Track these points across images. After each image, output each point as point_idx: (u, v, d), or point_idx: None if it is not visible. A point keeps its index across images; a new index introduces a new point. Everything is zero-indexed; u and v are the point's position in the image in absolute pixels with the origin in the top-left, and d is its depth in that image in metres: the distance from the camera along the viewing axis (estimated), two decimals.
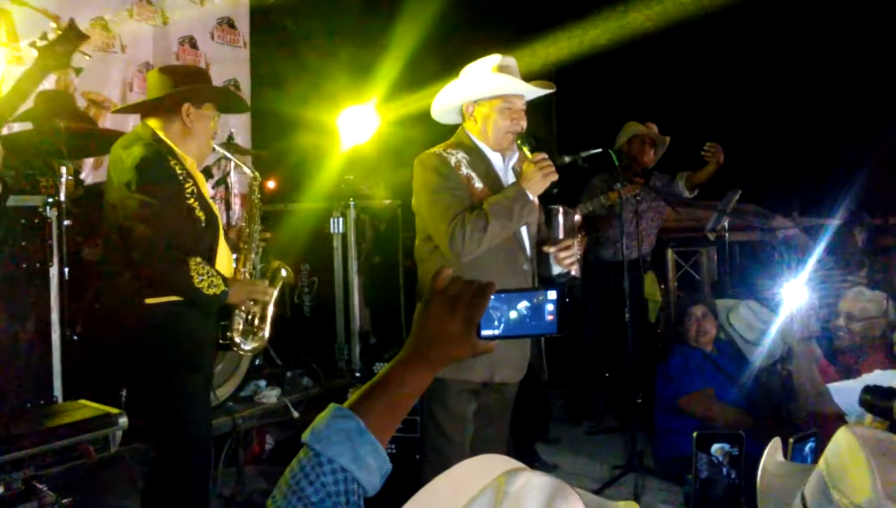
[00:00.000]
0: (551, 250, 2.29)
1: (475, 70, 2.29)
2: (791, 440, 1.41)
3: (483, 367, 2.16)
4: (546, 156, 2.17)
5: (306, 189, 4.22)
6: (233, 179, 3.96)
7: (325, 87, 4.93)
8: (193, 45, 5.13)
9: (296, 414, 3.35)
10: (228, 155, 2.62)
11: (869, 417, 2.08)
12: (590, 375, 4.41)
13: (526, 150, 2.23)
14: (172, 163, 2.17)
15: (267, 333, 2.46)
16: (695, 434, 1.02)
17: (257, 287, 2.37)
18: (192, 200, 2.18)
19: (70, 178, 2.94)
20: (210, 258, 2.23)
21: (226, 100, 2.46)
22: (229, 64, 5.32)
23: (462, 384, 2.17)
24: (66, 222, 2.77)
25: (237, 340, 2.41)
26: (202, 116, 2.25)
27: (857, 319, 2.93)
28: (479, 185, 2.22)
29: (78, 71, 3.65)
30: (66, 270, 2.73)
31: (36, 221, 2.66)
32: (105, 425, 2.00)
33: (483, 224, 2.10)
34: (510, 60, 2.28)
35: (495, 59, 2.27)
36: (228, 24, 5.36)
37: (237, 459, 3.22)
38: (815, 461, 1.34)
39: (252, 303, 2.39)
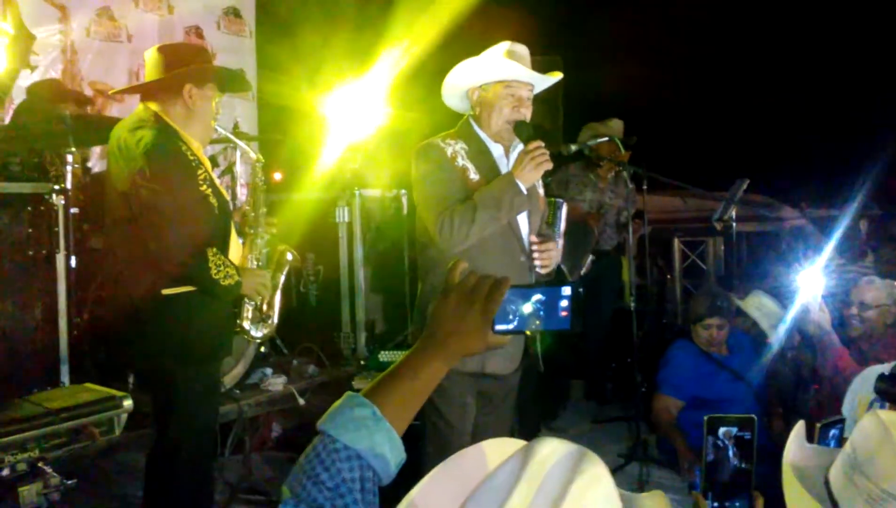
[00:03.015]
0: (534, 245, 2.25)
1: (483, 56, 2.25)
2: (818, 425, 1.40)
3: (473, 358, 2.15)
4: (541, 144, 2.12)
5: (311, 178, 4.22)
6: (238, 168, 3.96)
7: (327, 75, 4.92)
8: (199, 35, 5.13)
9: (302, 402, 3.36)
10: (231, 136, 2.57)
11: (867, 398, 2.07)
12: (570, 362, 4.46)
13: (522, 139, 2.19)
14: (183, 149, 2.13)
15: (276, 319, 2.44)
16: (706, 418, 1.02)
17: (266, 279, 2.33)
18: (205, 186, 2.14)
19: (77, 166, 2.95)
20: (224, 246, 2.21)
21: (228, 79, 2.40)
22: (235, 53, 5.32)
23: (457, 371, 2.16)
24: (73, 210, 2.78)
25: (247, 327, 2.39)
26: (204, 97, 2.20)
27: (870, 307, 2.91)
28: (474, 177, 2.19)
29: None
30: (73, 257, 2.75)
31: (42, 208, 2.67)
32: (109, 407, 2.00)
33: (471, 216, 2.08)
34: (519, 47, 2.24)
35: (504, 45, 2.23)
36: (234, 13, 5.36)
37: (243, 446, 3.24)
38: (840, 446, 1.34)
39: (263, 293, 2.36)
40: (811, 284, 2.82)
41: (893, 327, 2.97)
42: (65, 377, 2.62)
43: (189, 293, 2.12)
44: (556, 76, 2.28)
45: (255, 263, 2.36)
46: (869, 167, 4.88)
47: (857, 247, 4.12)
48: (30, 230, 2.63)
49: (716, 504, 1.01)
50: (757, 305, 3.47)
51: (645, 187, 4.10)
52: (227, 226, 2.24)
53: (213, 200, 2.16)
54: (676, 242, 4.72)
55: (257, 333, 2.40)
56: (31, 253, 2.62)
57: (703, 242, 4.86)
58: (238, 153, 3.80)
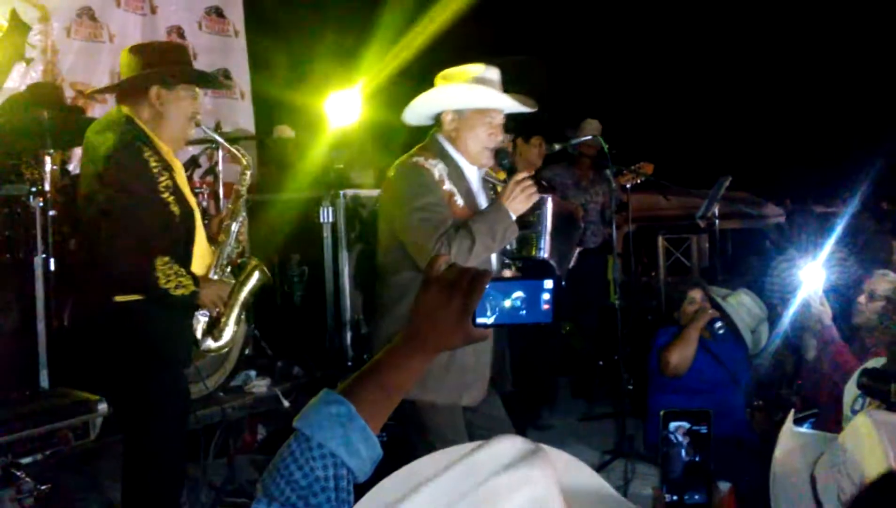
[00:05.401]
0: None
1: (458, 77, 2.21)
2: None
3: (450, 391, 2.12)
4: (529, 175, 2.14)
5: (295, 178, 4.20)
6: (221, 169, 3.93)
7: (312, 75, 4.91)
8: (181, 35, 5.10)
9: (286, 404, 3.34)
10: (217, 138, 2.53)
11: (854, 394, 2.09)
12: (559, 360, 4.48)
13: (504, 166, 2.21)
14: (147, 155, 2.09)
15: (230, 333, 2.34)
16: (661, 413, 1.02)
17: (225, 290, 2.25)
18: (166, 194, 2.09)
19: (55, 167, 2.92)
20: (185, 255, 2.15)
21: (199, 80, 2.34)
22: (219, 53, 5.29)
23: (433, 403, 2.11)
24: (51, 213, 2.75)
25: (198, 338, 2.33)
26: (175, 98, 2.16)
27: (878, 298, 2.92)
28: (460, 202, 2.16)
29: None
30: (52, 260, 2.72)
31: (19, 211, 2.64)
32: (83, 411, 1.98)
33: (469, 244, 2.04)
34: (494, 72, 2.21)
35: (478, 68, 2.19)
36: (217, 12, 5.32)
37: (228, 449, 3.22)
38: None
39: (220, 304, 2.27)
40: (812, 278, 2.82)
41: (883, 318, 2.96)
42: (44, 381, 2.59)
43: (140, 301, 2.09)
44: (531, 106, 2.26)
45: (222, 272, 2.29)
46: (866, 164, 4.92)
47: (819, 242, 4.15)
48: (6, 233, 2.60)
49: (675, 498, 1.01)
50: (738, 304, 3.48)
51: (629, 186, 4.13)
52: (190, 234, 2.18)
53: (174, 208, 2.11)
54: (660, 239, 4.74)
55: (208, 344, 2.31)
56: (7, 256, 2.59)
57: (687, 239, 4.88)
58: (220, 153, 3.77)
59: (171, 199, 2.11)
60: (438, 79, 2.25)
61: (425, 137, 2.28)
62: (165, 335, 2.14)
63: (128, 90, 2.18)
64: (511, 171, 2.22)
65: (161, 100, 2.15)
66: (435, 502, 0.68)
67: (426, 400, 2.10)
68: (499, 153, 2.20)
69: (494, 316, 0.91)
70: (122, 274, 2.05)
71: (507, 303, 0.91)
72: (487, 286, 0.88)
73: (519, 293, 0.91)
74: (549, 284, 0.91)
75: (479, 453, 0.72)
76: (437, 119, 2.23)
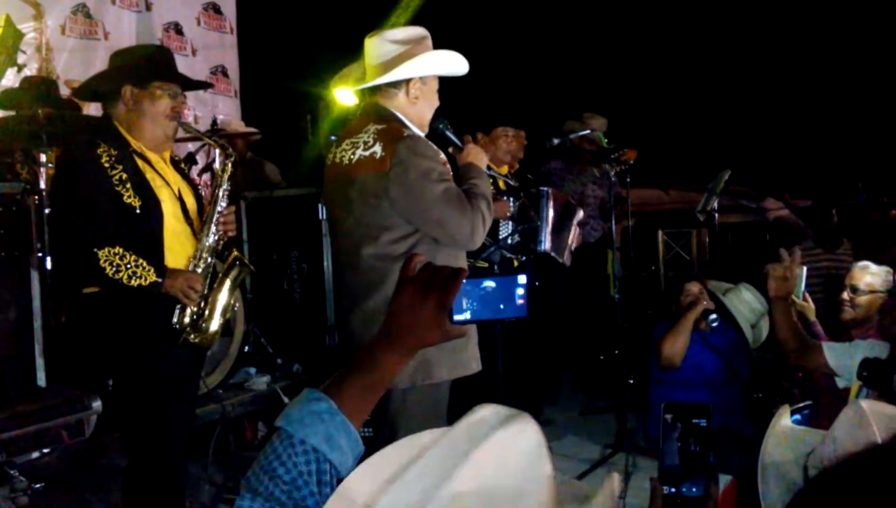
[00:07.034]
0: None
1: (420, 41, 2.08)
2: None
3: (473, 359, 2.13)
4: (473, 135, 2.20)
5: (294, 174, 4.18)
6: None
7: (310, 70, 4.88)
8: (179, 32, 5.08)
9: (286, 401, 3.33)
10: (198, 130, 2.52)
11: (856, 384, 2.08)
12: (558, 355, 4.48)
13: (448, 129, 2.23)
14: (101, 150, 2.08)
15: (214, 326, 2.23)
16: (663, 405, 1.01)
17: (196, 281, 2.15)
18: (119, 187, 2.07)
19: (50, 165, 2.91)
20: (153, 246, 2.12)
21: (173, 80, 2.27)
22: (216, 50, 5.28)
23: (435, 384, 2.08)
24: (46, 210, 2.73)
25: (177, 329, 2.21)
26: (150, 97, 2.16)
27: (862, 292, 2.91)
28: (449, 169, 2.14)
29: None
30: (49, 258, 2.71)
31: (14, 208, 2.63)
32: (77, 409, 1.96)
33: (486, 203, 2.05)
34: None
35: (424, 31, 2.10)
36: (214, 9, 5.30)
37: (228, 447, 3.21)
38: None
39: (191, 295, 2.14)
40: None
41: (883, 313, 2.95)
42: (41, 380, 2.58)
43: (102, 292, 2.07)
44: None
45: (204, 263, 2.22)
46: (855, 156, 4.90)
47: (832, 235, 4.13)
48: (2, 231, 2.59)
49: (672, 490, 1.01)
50: (739, 299, 3.47)
51: (629, 180, 4.11)
52: (156, 226, 2.14)
53: (131, 200, 2.09)
54: (660, 233, 4.73)
55: (185, 337, 2.18)
56: (3, 254, 2.58)
57: (686, 233, 4.87)
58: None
59: (125, 191, 2.08)
60: (388, 43, 2.07)
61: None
62: (128, 326, 2.10)
63: (106, 92, 2.21)
64: (449, 136, 2.24)
65: (135, 98, 2.16)
66: (442, 464, 0.71)
67: (450, 379, 2.09)
68: (441, 117, 2.20)
69: (470, 312, 0.91)
70: (68, 265, 2.13)
71: (483, 298, 0.91)
72: (463, 283, 0.89)
73: (495, 289, 0.92)
74: (522, 279, 0.92)
75: (467, 419, 0.76)
76: (384, 88, 2.08)
